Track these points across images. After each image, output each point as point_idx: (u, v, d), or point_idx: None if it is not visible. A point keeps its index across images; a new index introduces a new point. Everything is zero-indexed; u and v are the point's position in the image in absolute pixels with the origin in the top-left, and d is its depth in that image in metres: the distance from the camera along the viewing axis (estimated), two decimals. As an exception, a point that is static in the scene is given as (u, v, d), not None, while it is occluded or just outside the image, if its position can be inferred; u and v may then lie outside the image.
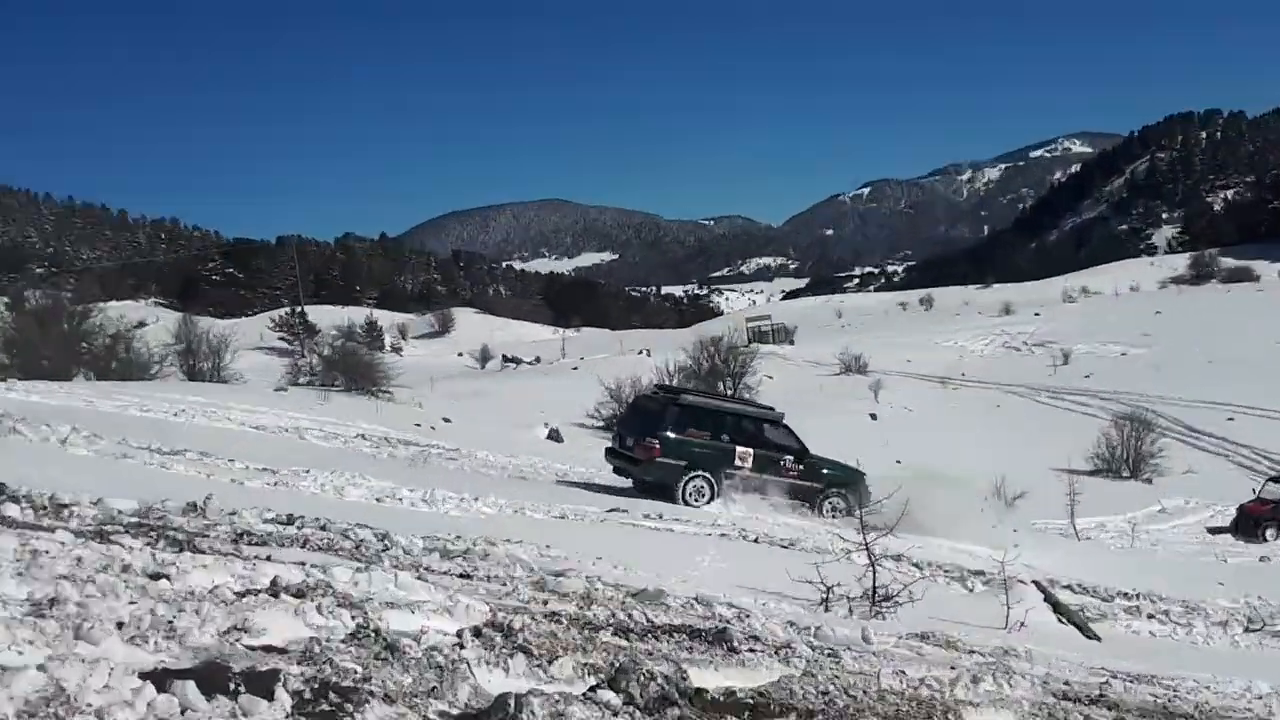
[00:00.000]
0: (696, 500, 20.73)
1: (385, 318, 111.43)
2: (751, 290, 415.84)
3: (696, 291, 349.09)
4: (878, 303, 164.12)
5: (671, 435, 21.26)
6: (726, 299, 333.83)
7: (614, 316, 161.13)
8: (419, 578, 7.02)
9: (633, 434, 21.95)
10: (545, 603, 7.12)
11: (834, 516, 21.21)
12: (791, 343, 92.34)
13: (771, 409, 23.49)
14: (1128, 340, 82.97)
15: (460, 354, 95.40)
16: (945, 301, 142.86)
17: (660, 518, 17.07)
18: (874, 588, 10.73)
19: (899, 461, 38.16)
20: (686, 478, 20.96)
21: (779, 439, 22.33)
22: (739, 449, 21.57)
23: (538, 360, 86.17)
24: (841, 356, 72.89)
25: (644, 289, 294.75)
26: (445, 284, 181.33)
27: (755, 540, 15.92)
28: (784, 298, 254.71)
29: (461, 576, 7.96)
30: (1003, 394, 64.99)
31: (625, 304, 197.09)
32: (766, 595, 10.31)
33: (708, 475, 21.05)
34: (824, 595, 10.51)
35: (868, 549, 11.51)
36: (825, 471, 22.32)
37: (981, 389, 67.14)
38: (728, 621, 7.36)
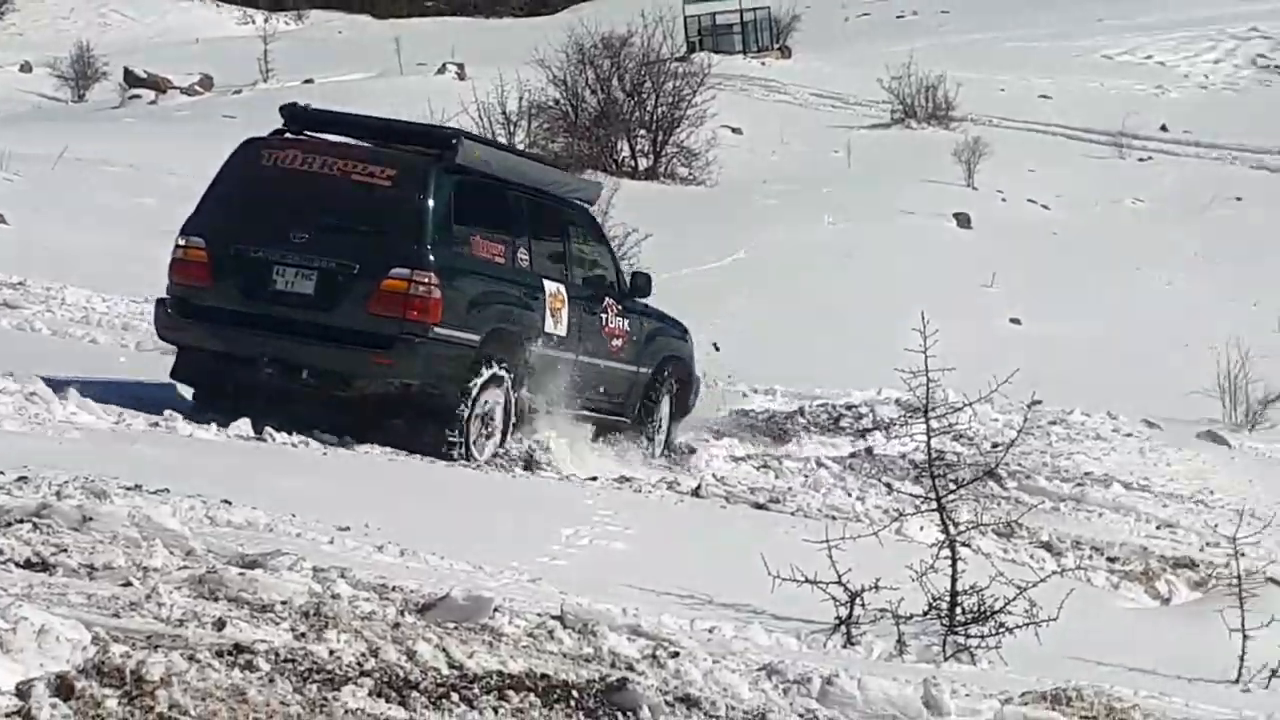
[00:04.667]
0: (485, 437, 9.63)
1: None
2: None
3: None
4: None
5: (458, 257, 9.57)
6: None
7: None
8: (-75, 569, 4.80)
9: (316, 255, 9.26)
10: (219, 625, 4.29)
11: (662, 448, 11.31)
12: (784, 50, 50.41)
13: (563, 170, 12.11)
14: None
15: (27, 66, 52.61)
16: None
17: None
18: (953, 594, 6.04)
19: (1016, 322, 23.16)
20: (478, 382, 9.39)
21: (584, 251, 11.16)
22: (549, 286, 10.20)
23: (204, 86, 46.69)
24: (898, 82, 38.76)
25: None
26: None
27: (695, 492, 9.42)
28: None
29: (29, 566, 5.08)
30: (1247, 171, 36.28)
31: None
32: (715, 609, 6.18)
33: (506, 369, 9.68)
34: (844, 611, 5.92)
35: (941, 511, 6.24)
36: (658, 334, 11.47)
37: (1201, 162, 37.20)
38: (630, 667, 4.52)
